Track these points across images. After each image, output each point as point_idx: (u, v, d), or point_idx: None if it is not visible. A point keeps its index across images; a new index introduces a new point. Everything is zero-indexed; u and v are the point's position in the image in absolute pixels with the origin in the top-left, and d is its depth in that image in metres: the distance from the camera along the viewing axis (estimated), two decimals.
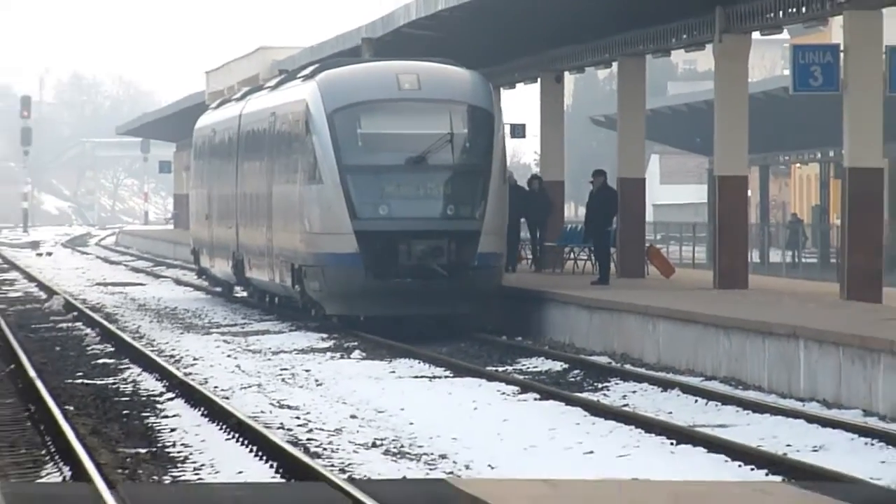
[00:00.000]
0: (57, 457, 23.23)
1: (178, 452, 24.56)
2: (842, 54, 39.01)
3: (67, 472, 21.72)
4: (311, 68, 48.77)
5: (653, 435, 25.69)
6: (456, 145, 40.82)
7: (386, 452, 24.39)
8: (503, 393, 31.88)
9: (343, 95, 41.46)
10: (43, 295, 64.92)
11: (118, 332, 44.66)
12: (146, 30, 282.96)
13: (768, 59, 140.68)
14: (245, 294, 51.15)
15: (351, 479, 20.03)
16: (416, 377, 34.01)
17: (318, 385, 33.18)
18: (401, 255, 39.55)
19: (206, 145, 60.18)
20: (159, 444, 25.40)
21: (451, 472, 21.68)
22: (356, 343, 39.08)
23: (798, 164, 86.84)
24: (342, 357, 38.03)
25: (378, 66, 44.09)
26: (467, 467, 22.48)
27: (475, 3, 43.85)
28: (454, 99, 41.73)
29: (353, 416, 28.67)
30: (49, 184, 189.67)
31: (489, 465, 22.53)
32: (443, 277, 39.49)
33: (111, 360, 38.83)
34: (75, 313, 53.28)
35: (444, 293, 39.49)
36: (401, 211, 40.13)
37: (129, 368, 36.44)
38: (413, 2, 52.98)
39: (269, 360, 38.35)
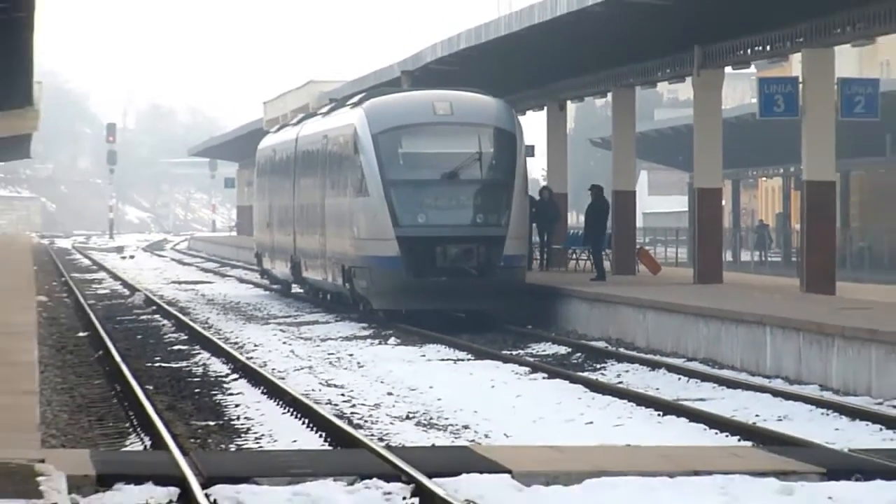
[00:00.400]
0: (139, 429, 23.39)
1: (242, 424, 24.87)
2: (800, 85, 39.19)
3: (147, 441, 21.98)
4: (358, 97, 48.58)
5: (643, 407, 25.90)
6: (484, 163, 40.78)
7: (417, 424, 24.58)
8: (516, 373, 31.96)
9: (386, 120, 41.33)
10: (126, 291, 65.02)
11: (190, 323, 44.87)
12: (212, 64, 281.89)
13: (739, 89, 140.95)
14: (301, 291, 51.00)
15: (388, 447, 20.11)
16: (443, 360, 34.16)
17: (359, 367, 33.30)
18: (437, 257, 39.43)
19: (267, 164, 59.92)
20: (226, 418, 25.68)
21: (473, 440, 21.87)
22: (391, 332, 39.12)
23: (764, 178, 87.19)
24: (380, 343, 38.09)
25: (416, 95, 44.19)
26: (486, 436, 22.63)
27: (490, 44, 44.33)
28: (482, 123, 41.54)
29: (389, 394, 28.76)
30: (131, 197, 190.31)
31: (504, 434, 22.71)
32: (473, 276, 39.48)
33: (184, 347, 39.10)
34: (154, 307, 53.40)
35: (475, 290, 39.43)
36: (436, 219, 39.93)
37: (199, 353, 36.63)
38: (438, 42, 53.27)
39: (318, 346, 38.43)
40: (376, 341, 37.98)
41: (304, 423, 24.45)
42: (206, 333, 41.00)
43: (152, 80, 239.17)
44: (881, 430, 22.76)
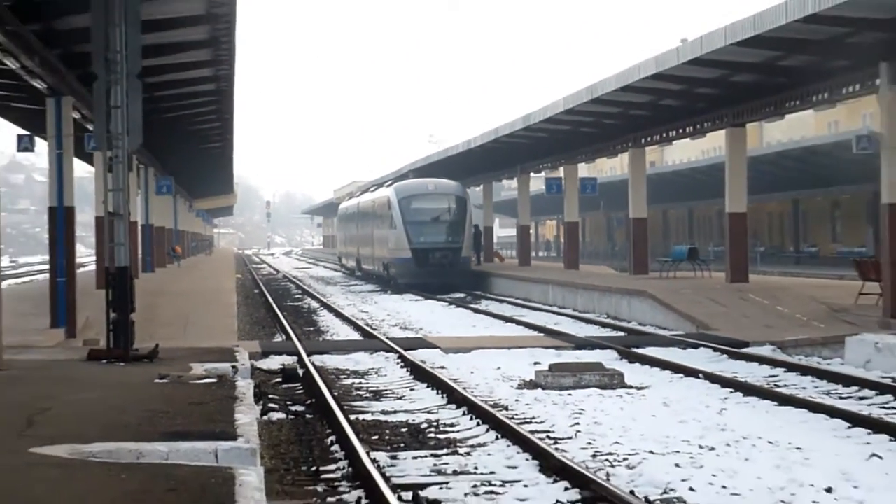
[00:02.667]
0: (280, 332, 23.42)
1: (323, 328, 24.87)
2: (563, 180, 38.28)
3: (283, 337, 22.03)
4: (389, 182, 47.78)
5: (500, 321, 25.24)
6: (450, 213, 39.23)
7: (401, 328, 24.52)
8: (445, 306, 31.49)
9: (405, 191, 40.00)
10: (274, 272, 64.51)
11: (302, 285, 44.27)
12: (310, 168, 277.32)
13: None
14: (360, 274, 50.31)
15: (388, 338, 20.33)
16: (418, 302, 33.65)
17: (376, 304, 33.01)
18: (429, 257, 37.99)
19: (343, 214, 57.75)
20: (316, 326, 25.57)
21: (424, 334, 21.77)
22: (399, 293, 37.98)
23: (548, 220, 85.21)
24: (390, 295, 37.57)
25: (417, 180, 42.86)
26: (430, 332, 22.44)
27: (460, 155, 43.15)
28: (449, 193, 40.09)
29: (389, 315, 28.47)
30: (277, 231, 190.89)
31: (438, 332, 22.59)
32: (446, 266, 38.07)
33: (299, 295, 38.56)
34: (286, 278, 53.04)
35: (447, 273, 37.95)
36: (429, 239, 38.34)
37: (305, 299, 36.21)
38: (422, 157, 52.92)
39: (360, 296, 37.88)
40: (392, 296, 37.09)
41: (351, 327, 24.46)
42: (309, 290, 40.65)
43: (284, 176, 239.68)
44: (600, 329, 22.70)
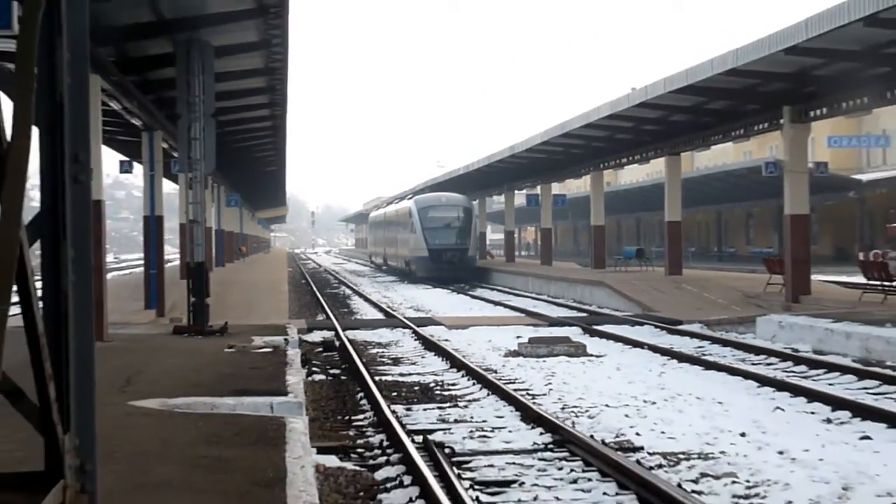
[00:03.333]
0: (321, 312, 23.12)
1: (354, 311, 24.48)
2: (539, 196, 37.98)
3: (323, 316, 21.68)
4: (410, 195, 46.85)
5: (491, 305, 25.13)
6: (459, 220, 37.97)
7: (415, 309, 24.19)
8: (449, 293, 31.22)
9: (422, 203, 38.90)
10: (317, 266, 64.12)
11: (339, 277, 43.95)
12: (341, 182, 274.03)
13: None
14: (385, 269, 49.09)
15: (404, 317, 20.18)
16: (428, 290, 33.28)
17: (396, 292, 32.70)
18: (442, 256, 36.86)
19: (373, 222, 56.53)
20: (349, 308, 25.27)
21: (433, 314, 21.48)
22: (414, 283, 37.50)
23: (529, 227, 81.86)
24: (407, 285, 37.07)
25: (433, 194, 41.64)
26: (437, 313, 22.03)
27: (461, 176, 42.27)
28: (458, 205, 38.77)
29: (405, 300, 28.20)
30: (319, 235, 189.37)
31: (443, 312, 22.27)
32: (456, 264, 36.90)
33: (336, 284, 38.30)
34: (326, 271, 52.83)
35: (457, 269, 36.73)
36: (442, 242, 37.22)
37: (341, 287, 35.89)
38: (440, 175, 51.63)
39: (384, 284, 37.58)
40: (409, 285, 36.60)
41: (376, 309, 24.14)
42: (344, 281, 40.26)
43: (324, 192, 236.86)
44: (568, 311, 22.41)
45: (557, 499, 6.31)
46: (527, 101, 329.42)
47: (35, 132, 2.60)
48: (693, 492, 6.27)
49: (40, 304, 2.56)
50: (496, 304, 25.21)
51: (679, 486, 6.32)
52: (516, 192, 44.31)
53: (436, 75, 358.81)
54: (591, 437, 7.94)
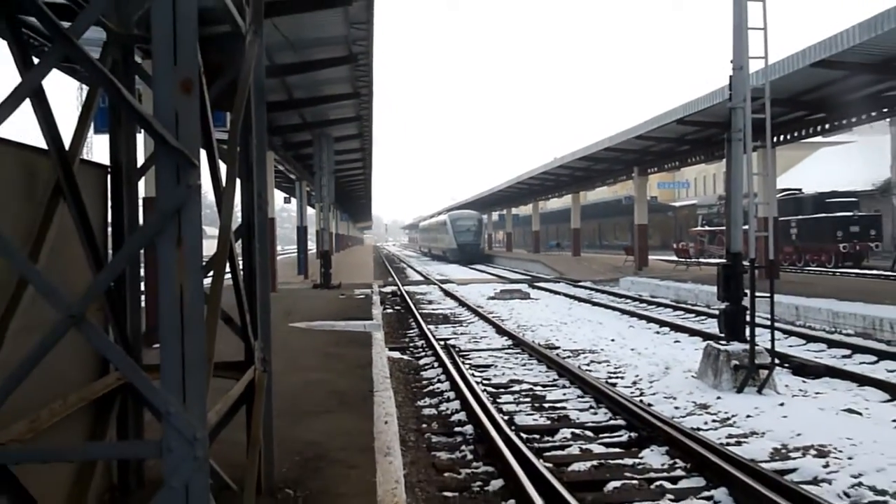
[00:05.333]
0: (391, 275, 21.39)
1: (408, 277, 23.01)
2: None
3: (392, 278, 20.29)
4: (445, 211, 43.65)
5: (481, 273, 24.21)
6: (475, 226, 34.12)
7: (440, 275, 22.57)
8: (466, 269, 29.50)
9: (453, 216, 35.18)
10: (389, 252, 57.06)
11: (400, 258, 42.52)
12: (400, 201, 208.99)
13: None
14: (428, 257, 44.73)
15: (436, 280, 19.35)
16: (450, 266, 31.58)
17: (432, 267, 31.11)
18: (465, 249, 33.13)
19: (422, 227, 52.57)
20: (405, 275, 23.84)
21: (449, 279, 20.30)
22: (445, 263, 34.93)
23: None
24: (439, 264, 34.90)
25: (459, 211, 37.54)
26: (452, 276, 21.20)
27: (480, 198, 38.13)
28: (474, 217, 34.81)
29: (437, 271, 26.61)
30: (390, 235, 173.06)
31: (456, 276, 21.36)
32: (472, 253, 33.04)
33: (398, 263, 36.62)
34: (392, 256, 49.33)
35: (472, 256, 32.81)
36: (464, 239, 33.58)
37: (400, 264, 34.66)
38: (463, 197, 47.52)
39: (426, 263, 36.10)
40: (441, 264, 34.04)
41: (419, 275, 23.02)
42: (403, 261, 38.94)
43: (391, 208, 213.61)
44: (521, 275, 21.29)
45: (515, 373, 6.43)
46: (531, 130, 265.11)
47: (238, 182, 2.75)
48: (586, 369, 6.39)
49: (241, 272, 2.64)
50: (482, 272, 24.08)
51: (579, 367, 6.44)
52: (513, 209, 41.56)
53: (447, 123, 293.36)
54: (533, 341, 7.76)
